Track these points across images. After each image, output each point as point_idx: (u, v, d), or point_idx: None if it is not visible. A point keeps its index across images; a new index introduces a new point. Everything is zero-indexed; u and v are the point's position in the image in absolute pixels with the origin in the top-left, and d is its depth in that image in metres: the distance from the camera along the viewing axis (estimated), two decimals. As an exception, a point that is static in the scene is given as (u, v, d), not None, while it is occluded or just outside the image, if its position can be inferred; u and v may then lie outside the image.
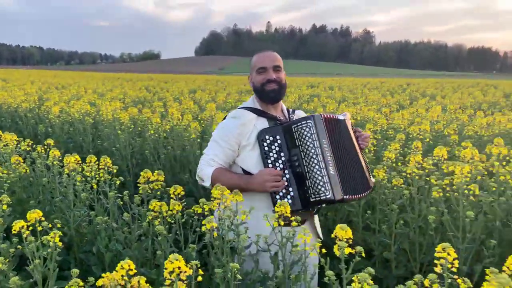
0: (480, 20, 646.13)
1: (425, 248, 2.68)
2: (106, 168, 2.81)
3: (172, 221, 2.24)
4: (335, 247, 1.42)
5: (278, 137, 2.10)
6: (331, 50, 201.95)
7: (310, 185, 2.03)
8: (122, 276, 1.37)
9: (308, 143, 2.03)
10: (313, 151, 2.02)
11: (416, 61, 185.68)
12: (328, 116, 2.12)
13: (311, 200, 2.03)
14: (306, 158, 2.04)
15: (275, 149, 2.10)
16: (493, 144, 3.49)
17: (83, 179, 2.92)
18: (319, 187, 2.00)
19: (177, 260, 1.31)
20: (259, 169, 2.12)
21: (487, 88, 17.10)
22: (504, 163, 2.77)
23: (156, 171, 2.63)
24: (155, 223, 2.26)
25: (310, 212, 2.20)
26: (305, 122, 2.04)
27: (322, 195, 2.00)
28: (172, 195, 2.28)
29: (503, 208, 2.54)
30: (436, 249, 1.37)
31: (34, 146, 3.50)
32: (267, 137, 2.11)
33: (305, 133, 2.04)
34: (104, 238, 2.59)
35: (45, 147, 3.39)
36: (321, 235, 2.27)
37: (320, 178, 2.00)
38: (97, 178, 2.83)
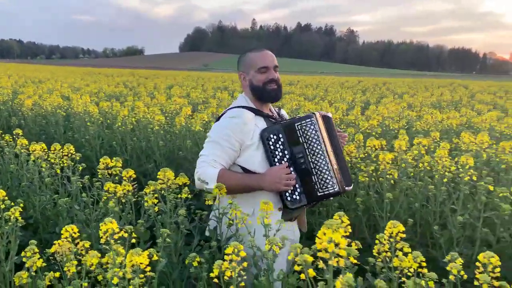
0: (461, 22, 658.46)
1: (357, 227, 3.02)
2: (69, 155, 3.06)
3: (125, 201, 2.51)
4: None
5: (281, 135, 2.12)
6: (316, 48, 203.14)
7: (316, 180, 2.10)
8: (66, 238, 1.64)
9: (313, 140, 2.09)
10: (319, 147, 2.09)
11: (399, 61, 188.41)
12: (323, 114, 2.22)
13: (319, 194, 2.11)
14: (311, 154, 2.09)
15: (279, 147, 2.13)
16: (429, 137, 3.86)
17: (48, 165, 3.16)
18: (327, 181, 2.09)
19: (111, 222, 1.59)
20: (263, 168, 2.14)
21: (458, 88, 17.75)
22: (423, 151, 3.09)
23: (114, 158, 2.90)
24: (110, 203, 2.52)
25: (307, 206, 2.30)
26: (308, 119, 2.10)
27: (330, 189, 2.09)
28: (124, 178, 2.56)
29: (422, 192, 2.89)
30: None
31: (3, 135, 3.70)
32: (271, 136, 2.13)
33: (310, 130, 2.09)
34: (65, 218, 2.83)
35: (14, 136, 3.61)
36: (305, 227, 2.46)
37: (327, 173, 2.08)
38: (61, 165, 3.08)
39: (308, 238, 2.56)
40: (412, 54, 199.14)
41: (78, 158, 3.13)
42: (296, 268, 1.20)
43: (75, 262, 1.63)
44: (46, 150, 3.27)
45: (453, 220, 2.64)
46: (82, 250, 1.74)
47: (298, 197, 2.12)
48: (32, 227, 3.26)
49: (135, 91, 9.71)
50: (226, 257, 1.42)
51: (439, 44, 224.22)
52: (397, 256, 1.63)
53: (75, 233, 1.69)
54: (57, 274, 1.67)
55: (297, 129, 2.10)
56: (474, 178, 2.52)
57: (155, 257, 1.62)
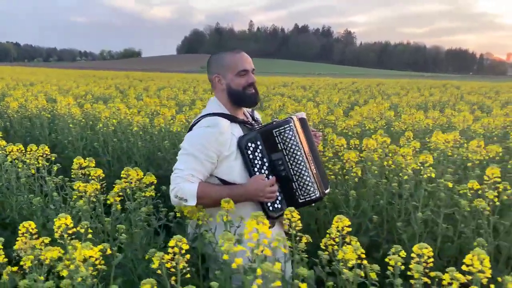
0: (458, 23, 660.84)
1: (326, 223, 3.09)
2: (44, 155, 3.14)
3: (95, 200, 2.58)
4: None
5: (258, 142, 2.04)
6: (313, 50, 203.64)
7: (297, 186, 2.05)
8: (23, 233, 1.72)
9: (293, 146, 2.03)
10: (298, 153, 2.03)
11: (396, 62, 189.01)
12: (299, 117, 2.16)
13: (300, 201, 2.06)
14: (291, 161, 2.04)
15: (258, 155, 2.05)
16: (403, 137, 3.95)
17: (25, 166, 3.23)
18: (308, 187, 2.05)
19: (64, 218, 1.66)
20: (242, 178, 2.05)
21: (451, 88, 17.86)
22: (388, 151, 3.17)
23: (87, 158, 2.97)
24: (80, 201, 2.59)
25: None
26: (287, 125, 2.03)
27: (312, 195, 2.06)
28: (93, 177, 2.63)
29: (387, 189, 2.96)
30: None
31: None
32: (249, 144, 2.04)
33: (289, 136, 2.02)
34: (39, 217, 2.90)
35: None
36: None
37: (308, 179, 2.04)
38: (36, 165, 3.14)
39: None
40: (409, 55, 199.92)
41: (53, 158, 3.21)
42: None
43: (31, 257, 1.69)
44: (23, 151, 3.34)
45: (415, 217, 2.71)
46: (42, 245, 1.81)
47: (279, 206, 2.07)
48: (11, 227, 3.33)
49: (125, 93, 9.78)
50: (169, 249, 1.49)
51: (436, 45, 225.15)
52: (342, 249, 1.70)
53: (32, 229, 1.76)
54: (15, 268, 1.73)
55: (275, 135, 2.03)
56: (433, 175, 2.60)
57: (108, 251, 1.69)
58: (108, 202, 2.24)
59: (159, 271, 1.48)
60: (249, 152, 2.03)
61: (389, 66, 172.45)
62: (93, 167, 2.82)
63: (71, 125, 4.64)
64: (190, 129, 2.16)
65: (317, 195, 2.07)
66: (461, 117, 4.62)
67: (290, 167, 2.04)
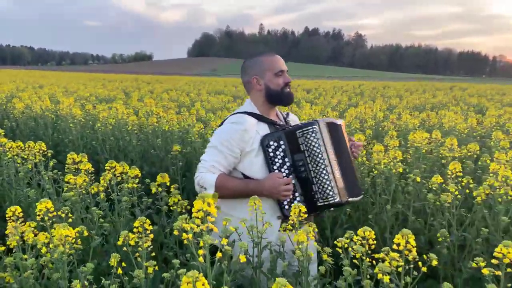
0: (470, 25, 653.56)
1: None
2: (40, 151, 3.36)
3: (85, 192, 2.78)
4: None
5: (281, 142, 2.09)
6: (323, 53, 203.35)
7: (317, 189, 2.06)
8: (10, 217, 1.91)
9: (314, 148, 2.04)
10: (320, 156, 2.04)
11: (407, 64, 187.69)
12: (330, 121, 2.16)
13: (318, 204, 2.06)
14: (312, 163, 2.05)
15: (279, 154, 2.10)
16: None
17: (23, 162, 3.45)
18: (327, 191, 2.04)
19: (46, 202, 1.86)
20: (263, 175, 2.11)
21: (457, 91, 17.85)
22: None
23: (80, 154, 3.17)
24: (70, 193, 2.79)
25: (312, 215, 2.22)
26: (310, 127, 2.06)
27: (330, 199, 2.04)
28: (83, 170, 2.83)
29: (361, 184, 3.11)
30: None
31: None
32: (271, 142, 2.10)
33: (311, 138, 2.05)
34: (35, 208, 3.11)
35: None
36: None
37: (328, 182, 2.03)
38: (34, 160, 3.36)
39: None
40: (421, 57, 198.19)
41: (49, 154, 3.43)
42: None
43: (17, 237, 1.89)
44: (22, 147, 3.56)
45: (386, 210, 2.86)
46: (27, 228, 2.00)
47: None
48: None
49: (130, 95, 10.05)
50: (134, 229, 1.67)
51: (448, 48, 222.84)
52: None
53: (19, 213, 1.96)
54: (2, 248, 1.93)
55: (298, 136, 2.07)
56: (400, 170, 2.74)
57: (85, 233, 1.88)
58: (92, 192, 2.42)
59: (125, 248, 1.66)
60: (270, 150, 2.10)
61: (400, 69, 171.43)
62: (91, 165, 3.01)
63: (71, 125, 4.88)
64: (221, 125, 2.29)
65: (336, 200, 2.04)
66: (447, 118, 4.72)
67: (311, 168, 2.06)
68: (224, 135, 2.14)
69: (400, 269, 1.54)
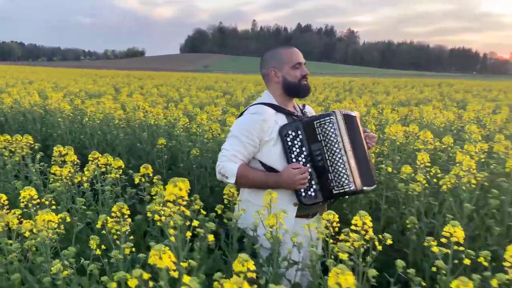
0: (461, 22, 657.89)
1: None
2: (28, 145, 3.45)
3: (71, 183, 2.88)
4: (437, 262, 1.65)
5: (299, 132, 2.15)
6: (316, 49, 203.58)
7: (333, 178, 2.13)
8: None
9: (331, 138, 2.11)
10: (336, 145, 2.11)
11: (399, 61, 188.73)
12: (345, 112, 2.22)
13: (334, 192, 2.14)
14: (329, 152, 2.13)
15: (297, 143, 2.16)
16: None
17: (11, 155, 3.54)
18: (343, 179, 2.12)
19: (29, 190, 1.96)
20: (281, 163, 2.19)
21: (445, 87, 18.10)
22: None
23: (66, 146, 3.27)
24: (56, 184, 2.89)
25: (326, 203, 2.34)
26: (328, 118, 2.13)
27: (346, 187, 2.12)
28: (68, 162, 2.93)
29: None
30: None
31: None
32: (289, 132, 2.16)
33: (328, 128, 2.11)
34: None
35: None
36: None
37: (343, 171, 2.11)
38: (21, 153, 3.45)
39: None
40: (413, 54, 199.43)
41: (37, 147, 3.52)
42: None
43: (2, 224, 1.99)
44: (10, 140, 3.64)
45: (359, 199, 3.00)
46: (11, 215, 2.10)
47: (313, 194, 2.17)
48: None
49: (120, 91, 10.10)
50: (112, 214, 1.78)
51: (439, 44, 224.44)
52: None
53: (4, 200, 2.06)
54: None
55: (316, 126, 2.14)
56: (373, 161, 2.87)
57: (68, 219, 1.99)
58: (76, 181, 2.53)
59: (104, 232, 1.77)
60: (288, 139, 2.16)
61: (392, 65, 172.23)
62: (79, 159, 3.10)
63: (59, 119, 4.96)
64: (240, 115, 2.34)
65: (351, 188, 2.11)
66: (425, 113, 4.88)
67: (328, 158, 2.13)
68: (244, 125, 2.21)
69: (360, 248, 1.66)
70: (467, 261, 1.61)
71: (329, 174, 2.14)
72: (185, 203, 1.56)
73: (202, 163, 3.85)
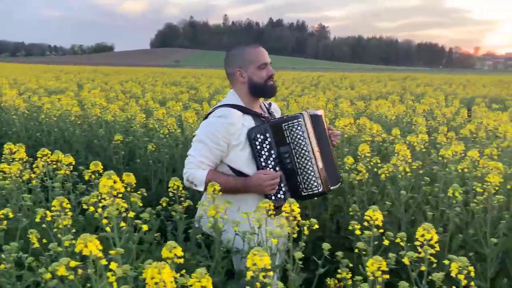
0: (429, 17, 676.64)
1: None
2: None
3: (21, 181, 2.87)
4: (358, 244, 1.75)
5: (268, 135, 2.14)
6: (288, 44, 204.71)
7: (301, 180, 2.14)
8: None
9: (300, 141, 2.11)
10: (305, 148, 2.11)
11: (369, 56, 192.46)
12: (312, 113, 2.21)
13: (303, 194, 2.15)
14: (297, 155, 2.13)
15: (266, 147, 2.14)
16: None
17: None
18: (311, 182, 2.13)
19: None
20: (250, 167, 2.17)
21: (409, 81, 18.69)
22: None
23: (17, 144, 3.24)
24: (5, 182, 2.87)
25: None
26: (296, 120, 2.11)
27: (315, 189, 2.14)
28: (17, 158, 2.92)
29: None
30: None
31: None
32: (258, 135, 2.14)
33: (296, 131, 2.11)
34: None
35: None
36: None
37: (312, 173, 2.12)
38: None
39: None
40: (382, 49, 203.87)
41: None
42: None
43: None
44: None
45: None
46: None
47: (282, 196, 2.17)
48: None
49: (83, 87, 9.93)
50: (53, 208, 1.82)
51: (407, 39, 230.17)
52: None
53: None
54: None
55: (284, 129, 2.12)
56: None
57: (10, 215, 2.02)
58: (24, 178, 2.54)
59: (44, 226, 1.81)
60: (257, 143, 2.14)
61: (363, 60, 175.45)
62: (33, 156, 3.08)
63: (14, 117, 4.87)
64: (206, 118, 2.27)
65: (319, 190, 2.14)
66: (373, 106, 5.10)
67: (296, 160, 2.13)
68: (210, 129, 2.15)
69: (291, 233, 1.77)
70: (386, 242, 1.75)
71: (298, 177, 2.15)
72: (121, 195, 1.63)
73: (159, 158, 3.90)
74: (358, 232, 1.76)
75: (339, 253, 1.78)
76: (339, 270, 1.71)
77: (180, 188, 2.38)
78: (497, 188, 2.32)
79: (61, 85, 9.63)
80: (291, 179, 2.16)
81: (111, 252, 1.40)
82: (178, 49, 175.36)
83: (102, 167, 2.82)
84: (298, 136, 2.11)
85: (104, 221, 1.54)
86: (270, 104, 2.43)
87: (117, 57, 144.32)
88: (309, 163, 2.12)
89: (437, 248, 1.55)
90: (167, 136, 3.91)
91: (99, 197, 1.67)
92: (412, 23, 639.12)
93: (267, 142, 2.14)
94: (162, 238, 2.23)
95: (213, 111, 2.26)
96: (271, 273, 1.33)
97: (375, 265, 1.50)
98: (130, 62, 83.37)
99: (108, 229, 1.58)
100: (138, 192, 2.24)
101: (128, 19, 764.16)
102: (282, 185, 2.17)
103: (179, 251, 1.42)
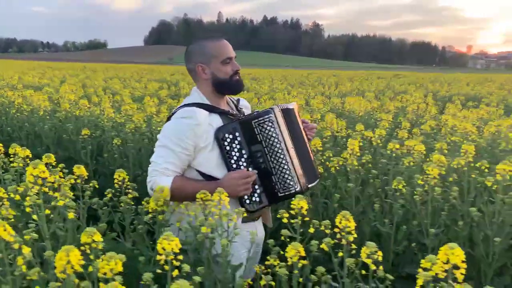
0: (422, 16, 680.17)
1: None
2: None
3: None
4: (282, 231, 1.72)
5: (237, 134, 1.96)
6: (282, 42, 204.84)
7: (277, 180, 1.98)
8: None
9: (272, 138, 1.96)
10: (278, 146, 1.96)
11: (363, 54, 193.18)
12: (283, 107, 2.06)
13: (280, 195, 2.00)
14: (270, 153, 1.97)
15: (236, 147, 1.97)
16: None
17: None
18: (287, 181, 1.98)
19: None
20: (220, 170, 1.99)
21: (398, 79, 18.86)
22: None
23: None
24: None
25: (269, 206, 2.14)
26: (266, 116, 1.95)
27: (291, 189, 1.99)
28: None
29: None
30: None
31: None
32: (226, 135, 1.97)
33: (268, 127, 1.95)
34: None
35: None
36: (271, 223, 2.25)
37: (288, 172, 1.98)
38: None
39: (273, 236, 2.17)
40: (376, 47, 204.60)
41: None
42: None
43: None
44: None
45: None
46: None
47: (258, 199, 2.00)
48: None
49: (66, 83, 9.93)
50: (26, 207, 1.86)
51: (400, 38, 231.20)
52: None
53: None
54: None
55: (254, 126, 1.95)
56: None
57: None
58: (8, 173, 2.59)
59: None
60: (226, 143, 1.97)
61: (356, 58, 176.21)
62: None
63: (-15, 112, 4.89)
64: (168, 119, 2.09)
65: (297, 189, 1.99)
66: (347, 103, 5.18)
67: (270, 159, 1.97)
68: (174, 132, 1.95)
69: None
70: (311, 230, 1.81)
71: (273, 177, 1.98)
72: (49, 184, 1.68)
73: (126, 152, 3.95)
74: (285, 220, 1.81)
75: (270, 241, 1.83)
76: (268, 257, 1.77)
77: (126, 180, 2.44)
78: (436, 180, 2.38)
79: (42, 81, 9.62)
80: (266, 180, 1.99)
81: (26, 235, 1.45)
82: (171, 46, 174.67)
83: (54, 159, 2.87)
84: (270, 133, 1.95)
85: (28, 209, 1.59)
86: (238, 100, 2.25)
87: (110, 54, 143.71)
88: (284, 162, 1.97)
89: (355, 235, 1.61)
90: (133, 130, 3.95)
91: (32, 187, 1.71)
92: (405, 21, 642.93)
93: (236, 142, 1.97)
94: (108, 229, 2.28)
95: (176, 111, 2.07)
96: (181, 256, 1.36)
97: (293, 251, 1.57)
98: (123, 59, 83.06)
99: (35, 216, 1.62)
100: (90, 184, 2.29)
101: (122, 16, 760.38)
102: (256, 186, 1.99)
103: (98, 237, 1.47)
